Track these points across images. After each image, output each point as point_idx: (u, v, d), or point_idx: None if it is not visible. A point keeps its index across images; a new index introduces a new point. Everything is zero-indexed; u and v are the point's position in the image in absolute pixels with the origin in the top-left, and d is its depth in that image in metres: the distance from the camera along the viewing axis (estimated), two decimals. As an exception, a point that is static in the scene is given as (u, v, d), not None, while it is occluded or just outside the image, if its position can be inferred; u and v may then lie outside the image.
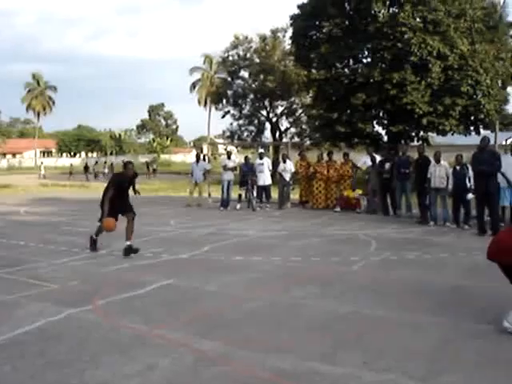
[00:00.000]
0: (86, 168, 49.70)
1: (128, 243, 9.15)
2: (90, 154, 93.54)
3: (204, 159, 21.56)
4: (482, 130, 28.94)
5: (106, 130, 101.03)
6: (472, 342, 5.02)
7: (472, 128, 28.24)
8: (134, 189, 9.90)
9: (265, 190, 18.20)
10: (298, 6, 29.12)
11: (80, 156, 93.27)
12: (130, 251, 9.08)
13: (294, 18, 29.50)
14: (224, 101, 45.33)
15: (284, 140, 43.17)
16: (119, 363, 4.42)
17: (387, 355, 4.64)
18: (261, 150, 20.29)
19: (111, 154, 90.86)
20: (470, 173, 12.88)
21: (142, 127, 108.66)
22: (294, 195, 19.10)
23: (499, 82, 27.75)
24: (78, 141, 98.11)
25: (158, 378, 4.18)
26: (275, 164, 19.36)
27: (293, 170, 18.23)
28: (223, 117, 45.88)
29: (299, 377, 4.19)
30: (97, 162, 57.80)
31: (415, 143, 28.51)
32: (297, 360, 4.50)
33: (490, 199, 11.97)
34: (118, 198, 9.36)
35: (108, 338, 5.05)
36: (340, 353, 4.69)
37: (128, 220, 9.38)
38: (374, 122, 28.64)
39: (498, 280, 5.66)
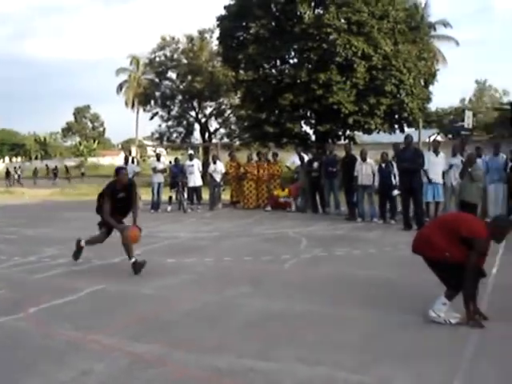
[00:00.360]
0: (8, 173, 48.07)
1: (133, 260, 8.00)
2: (14, 159, 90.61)
3: (133, 162, 21.31)
4: (406, 128, 29.88)
5: (30, 134, 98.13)
6: (401, 333, 5.22)
7: (396, 126, 29.07)
8: (130, 201, 8.50)
9: (195, 191, 18.19)
10: (225, 7, 29.19)
11: (4, 161, 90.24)
12: (140, 266, 7.92)
13: (220, 18, 29.55)
14: (152, 102, 44.94)
15: (213, 141, 43.18)
16: (53, 370, 4.36)
17: (319, 349, 4.77)
18: (190, 152, 20.23)
19: (36, 158, 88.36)
20: (395, 170, 13.31)
21: (68, 130, 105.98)
22: (225, 196, 19.18)
23: (422, 81, 28.67)
24: (2, 145, 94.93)
25: (93, 382, 4.15)
26: (205, 165, 19.38)
27: (223, 170, 18.30)
28: (151, 118, 45.50)
29: (235, 374, 4.26)
30: (19, 167, 55.97)
31: (342, 142, 29.13)
32: (232, 358, 4.57)
33: (415, 195, 12.41)
34: (117, 213, 8.34)
35: (41, 345, 4.96)
36: (274, 349, 4.79)
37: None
38: (302, 122, 29.06)
39: (423, 272, 5.90)
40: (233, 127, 44.49)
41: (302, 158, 17.13)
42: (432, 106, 52.51)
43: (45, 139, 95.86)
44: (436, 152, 13.80)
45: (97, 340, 5.04)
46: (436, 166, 13.47)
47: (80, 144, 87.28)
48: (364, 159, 14.08)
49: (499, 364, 4.45)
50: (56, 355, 4.69)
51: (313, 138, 29.34)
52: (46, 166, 61.66)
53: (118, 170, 8.59)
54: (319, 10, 26.92)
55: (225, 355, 4.63)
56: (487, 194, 13.60)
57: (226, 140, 43.87)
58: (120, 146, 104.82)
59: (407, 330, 5.32)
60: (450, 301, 5.42)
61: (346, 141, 28.75)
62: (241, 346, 4.87)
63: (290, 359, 4.53)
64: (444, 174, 13.63)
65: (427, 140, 42.81)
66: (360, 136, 32.01)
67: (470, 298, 5.33)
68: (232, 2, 28.91)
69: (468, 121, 31.64)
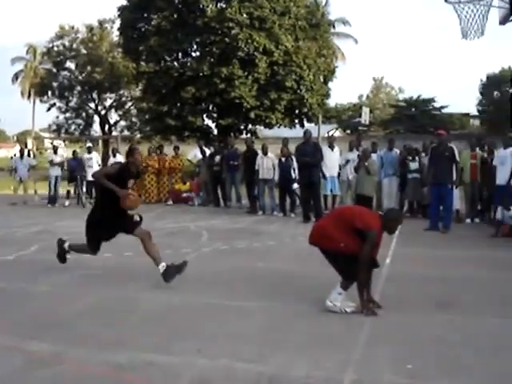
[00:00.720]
0: None
1: (162, 265, 6.65)
2: None
3: (29, 154, 20.55)
4: (305, 123, 30.50)
5: None
6: (298, 323, 5.37)
7: (297, 121, 29.64)
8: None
9: (94, 185, 17.76)
10: (126, -3, 28.64)
11: None
12: (174, 271, 6.62)
13: (121, 9, 28.95)
14: (49, 93, 43.40)
15: (114, 133, 42.30)
16: None
17: (219, 341, 4.83)
18: (89, 144, 19.72)
19: None
20: (295, 164, 13.60)
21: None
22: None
23: (321, 77, 29.36)
24: None
25: (-15, 384, 4.00)
26: (105, 158, 18.97)
27: (123, 163, 17.97)
28: (48, 110, 43.95)
29: (135, 369, 4.23)
30: None
31: (244, 136, 29.37)
32: (132, 353, 4.53)
33: (313, 189, 12.73)
34: (113, 203, 6.70)
35: None
36: (175, 343, 4.80)
37: (143, 238, 6.80)
38: (204, 116, 29.03)
39: (320, 264, 6.08)
40: (134, 120, 43.72)
41: (203, 152, 17.13)
42: (331, 102, 54.07)
43: None
44: (331, 147, 14.25)
45: (-12, 339, 4.85)
46: (331, 160, 13.93)
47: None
48: (265, 153, 14.28)
49: (392, 350, 4.67)
50: None
51: (215, 131, 29.39)
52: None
53: (133, 149, 7.07)
54: (222, 4, 26.93)
55: (124, 350, 4.59)
56: (382, 187, 14.18)
57: (126, 133, 43.09)
58: (15, 138, 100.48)
59: (304, 319, 5.48)
60: (346, 290, 5.62)
61: (248, 135, 29.03)
62: (141, 341, 4.83)
63: (189, 352, 4.56)
64: (341, 167, 14.10)
65: (326, 135, 43.96)
66: (261, 130, 32.38)
67: (364, 287, 5.56)
68: (133, -8, 28.40)
69: (365, 117, 32.76)
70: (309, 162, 12.65)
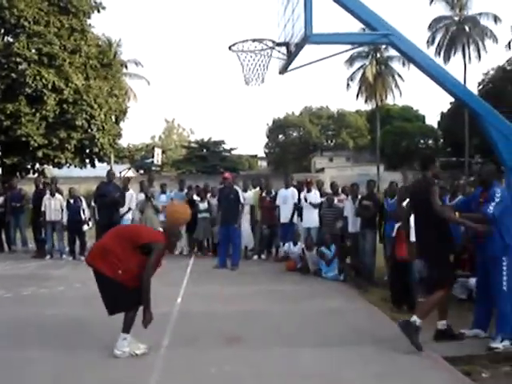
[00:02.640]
0: None
1: None
2: None
3: None
4: (97, 163, 29.93)
5: None
6: (87, 371, 5.25)
7: (88, 161, 28.99)
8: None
9: None
10: None
11: None
12: None
13: None
14: None
15: None
16: None
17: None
18: None
19: None
20: (84, 205, 13.34)
21: None
22: None
23: (113, 117, 29.12)
24: None
25: None
26: None
27: None
28: None
29: None
30: None
31: (31, 175, 27.99)
32: None
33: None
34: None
35: None
36: None
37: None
38: (-13, 154, 27.23)
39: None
40: None
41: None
42: (123, 142, 53.89)
43: None
44: (125, 188, 14.22)
45: None
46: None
47: None
48: (53, 194, 13.74)
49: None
50: None
51: (-1, 170, 27.68)
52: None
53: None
54: (9, 38, 25.75)
55: None
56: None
57: None
58: None
59: (93, 367, 5.35)
60: (129, 332, 5.56)
61: (36, 174, 27.72)
62: None
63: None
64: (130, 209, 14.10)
65: (118, 174, 43.49)
66: (50, 169, 31.15)
67: (148, 294, 5.57)
68: None
69: (157, 157, 33.14)
70: (108, 202, 12.55)
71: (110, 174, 13.35)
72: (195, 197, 14.43)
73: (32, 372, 5.18)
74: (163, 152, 38.59)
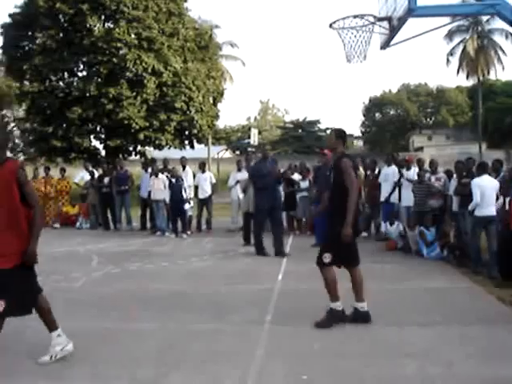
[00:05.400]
0: None
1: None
2: None
3: None
4: (196, 144, 30.59)
5: None
6: (195, 342, 5.38)
7: (187, 142, 29.64)
8: None
9: None
10: (9, 15, 27.60)
11: None
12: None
13: (4, 27, 27.84)
14: None
15: (-6, 156, 40.34)
16: None
17: (116, 365, 4.75)
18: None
19: None
20: (186, 184, 13.67)
21: None
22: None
23: (210, 99, 29.59)
24: None
25: None
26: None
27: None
28: None
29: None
30: None
31: (133, 157, 28.97)
32: (23, 381, 4.41)
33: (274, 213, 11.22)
34: None
35: None
36: (68, 368, 4.66)
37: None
38: (92, 137, 28.36)
39: (213, 283, 6.12)
40: (17, 141, 42.01)
41: (92, 174, 16.75)
42: (220, 124, 54.65)
43: None
44: (203, 170, 14.70)
45: None
46: (204, 182, 14.71)
47: None
48: (156, 174, 14.19)
49: (287, 363, 4.78)
50: None
51: (103, 153, 28.79)
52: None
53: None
54: (109, 24, 26.59)
55: (16, 379, 4.42)
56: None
57: (9, 155, 41.15)
58: None
59: (200, 338, 5.49)
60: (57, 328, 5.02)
61: (137, 156, 28.67)
62: (32, 369, 4.66)
63: (85, 377, 4.46)
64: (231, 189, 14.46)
65: (216, 156, 44.28)
66: (151, 151, 32.12)
67: None
68: (17, 10, 27.43)
69: (254, 138, 33.35)
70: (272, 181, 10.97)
71: (265, 150, 11.95)
72: (296, 176, 14.51)
73: (141, 342, 5.38)
74: (259, 132, 38.79)
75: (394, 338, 5.52)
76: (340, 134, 6.27)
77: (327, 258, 5.88)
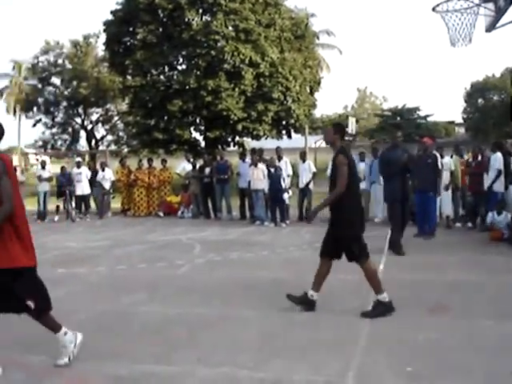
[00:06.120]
0: None
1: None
2: None
3: (15, 170, 20.40)
4: (293, 134, 30.61)
5: None
6: (297, 330, 5.40)
7: (284, 132, 29.72)
8: None
9: (83, 199, 17.69)
10: (111, 12, 28.67)
11: None
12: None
13: (107, 23, 28.97)
14: (35, 109, 43.29)
15: (100, 148, 42.19)
16: None
17: (219, 350, 4.84)
18: (78, 159, 19.63)
19: None
20: (284, 174, 13.69)
21: None
22: (114, 204, 18.78)
23: (307, 88, 29.47)
24: None
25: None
26: (93, 173, 18.84)
27: (112, 178, 17.90)
28: (34, 125, 43.81)
29: (136, 380, 4.24)
30: None
31: (232, 148, 29.38)
32: (132, 364, 4.54)
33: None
34: None
35: None
36: (174, 353, 4.80)
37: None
38: (192, 129, 29.02)
39: (313, 272, 6.11)
40: (120, 134, 43.67)
41: (193, 164, 17.17)
42: (317, 113, 54.34)
43: None
44: (303, 159, 14.75)
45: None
46: (303, 172, 14.61)
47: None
48: (255, 164, 14.33)
49: (391, 353, 4.71)
50: None
51: (202, 144, 29.40)
52: None
53: None
54: (207, 17, 27.02)
55: (124, 362, 4.59)
56: (370, 195, 14.33)
57: (113, 147, 42.97)
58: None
59: (302, 326, 5.51)
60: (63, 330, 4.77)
61: (236, 147, 29.06)
62: (140, 352, 4.83)
63: (190, 361, 4.57)
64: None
65: (313, 146, 44.14)
66: (249, 142, 32.45)
67: None
68: (119, 7, 28.46)
69: (352, 127, 32.94)
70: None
71: (397, 138, 10.95)
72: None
73: (243, 329, 5.45)
74: (357, 121, 38.26)
75: (501, 331, 5.31)
76: (338, 129, 6.23)
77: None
